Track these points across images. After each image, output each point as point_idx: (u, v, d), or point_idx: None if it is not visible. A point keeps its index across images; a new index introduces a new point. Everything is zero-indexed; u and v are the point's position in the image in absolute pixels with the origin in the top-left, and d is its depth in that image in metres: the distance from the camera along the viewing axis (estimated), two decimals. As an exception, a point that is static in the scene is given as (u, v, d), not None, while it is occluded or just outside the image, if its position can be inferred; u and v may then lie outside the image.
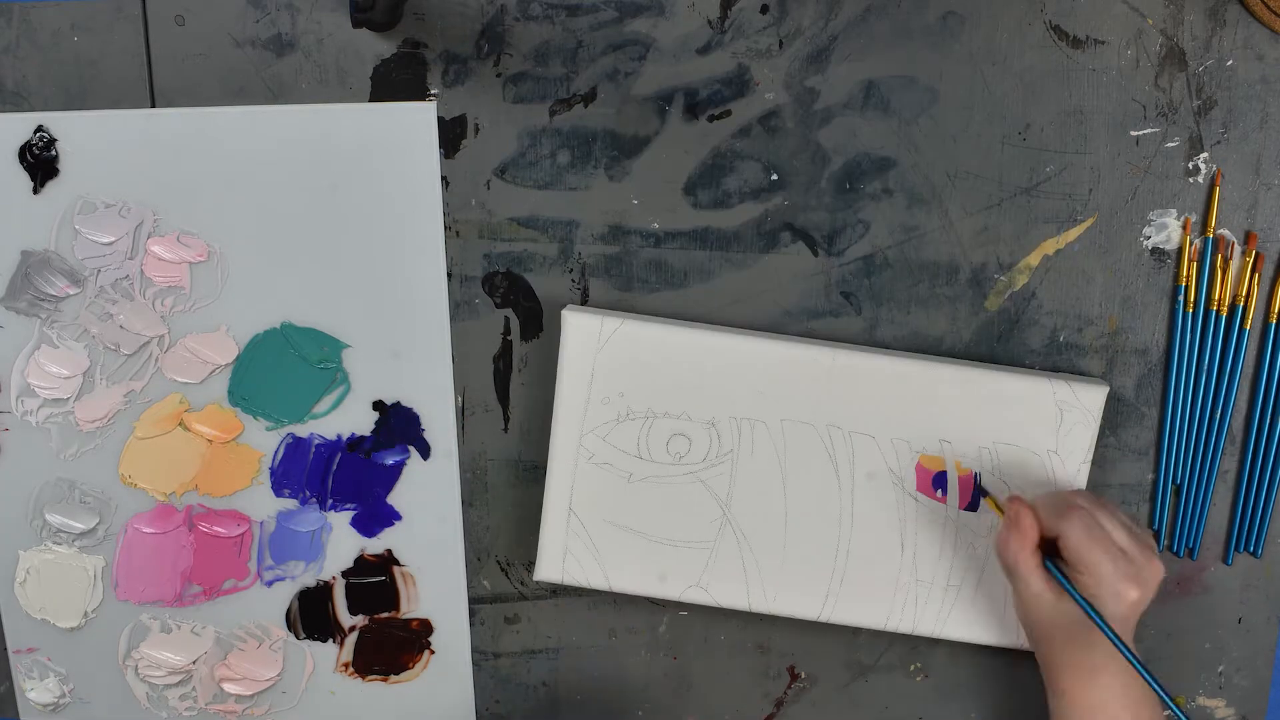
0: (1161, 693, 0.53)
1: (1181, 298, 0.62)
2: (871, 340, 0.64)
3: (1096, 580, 0.55)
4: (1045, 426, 0.61)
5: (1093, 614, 0.54)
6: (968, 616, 0.63)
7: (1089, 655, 0.56)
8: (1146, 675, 0.54)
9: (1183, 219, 0.61)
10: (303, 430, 0.67)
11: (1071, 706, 0.57)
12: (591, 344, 0.61)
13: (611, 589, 0.64)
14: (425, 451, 0.67)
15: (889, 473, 0.62)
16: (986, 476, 0.62)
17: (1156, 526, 0.65)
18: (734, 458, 0.62)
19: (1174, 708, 0.54)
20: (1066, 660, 0.57)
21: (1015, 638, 0.63)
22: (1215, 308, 0.62)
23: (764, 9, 0.61)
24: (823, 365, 0.61)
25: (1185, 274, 0.62)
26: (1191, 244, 0.62)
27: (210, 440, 0.67)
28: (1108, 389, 0.61)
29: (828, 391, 0.61)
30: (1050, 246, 0.62)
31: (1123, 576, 0.55)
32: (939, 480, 0.62)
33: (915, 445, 0.61)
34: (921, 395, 0.61)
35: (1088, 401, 0.61)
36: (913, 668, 0.68)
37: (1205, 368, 0.63)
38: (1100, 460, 0.64)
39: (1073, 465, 0.61)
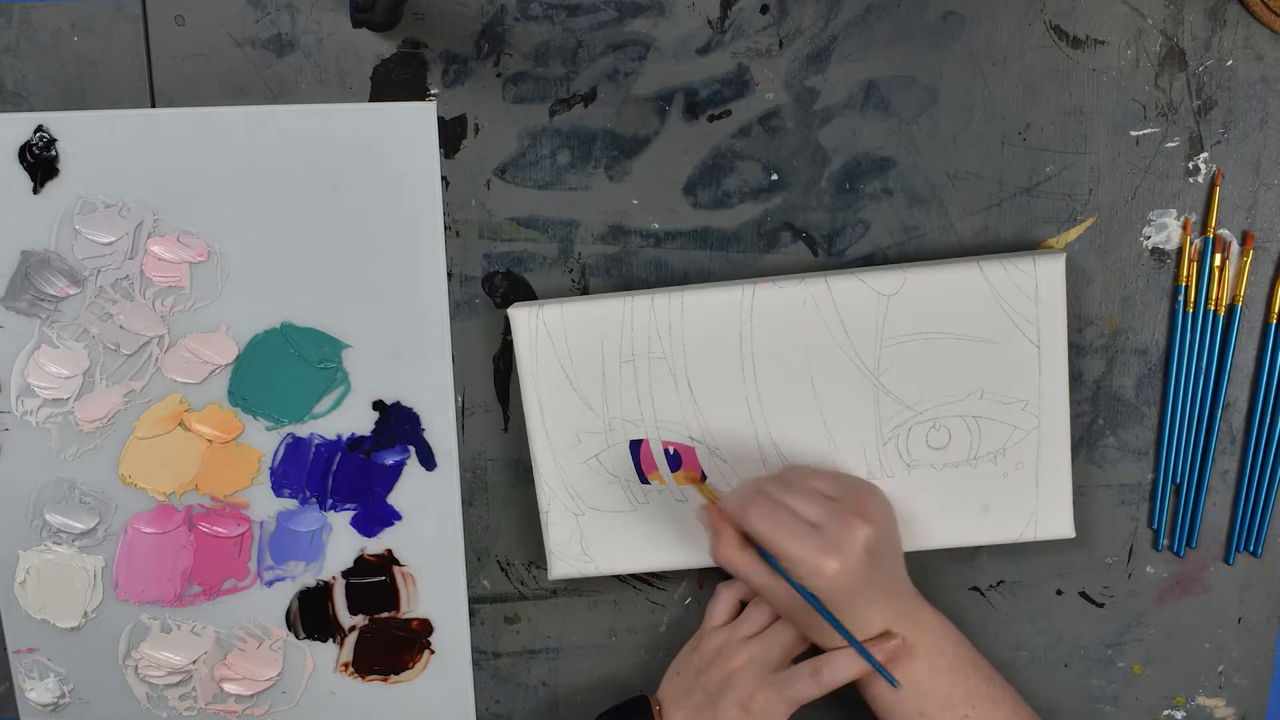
0: (870, 660, 0.56)
1: (1181, 298, 0.62)
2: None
3: (790, 563, 0.55)
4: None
5: (803, 593, 0.55)
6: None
7: (857, 619, 0.57)
8: (856, 645, 0.56)
9: (1183, 219, 0.61)
10: (303, 430, 0.67)
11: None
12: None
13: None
14: (425, 454, 0.67)
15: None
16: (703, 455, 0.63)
17: (1155, 526, 0.65)
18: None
19: (882, 670, 0.57)
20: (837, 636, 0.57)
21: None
22: (1213, 307, 0.62)
23: (764, 9, 0.61)
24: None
25: (1185, 274, 0.62)
26: (1192, 244, 0.62)
27: (210, 440, 0.67)
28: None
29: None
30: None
31: (814, 551, 0.54)
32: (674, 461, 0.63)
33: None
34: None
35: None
36: (913, 668, 0.68)
37: (1204, 367, 0.63)
38: (1100, 460, 0.64)
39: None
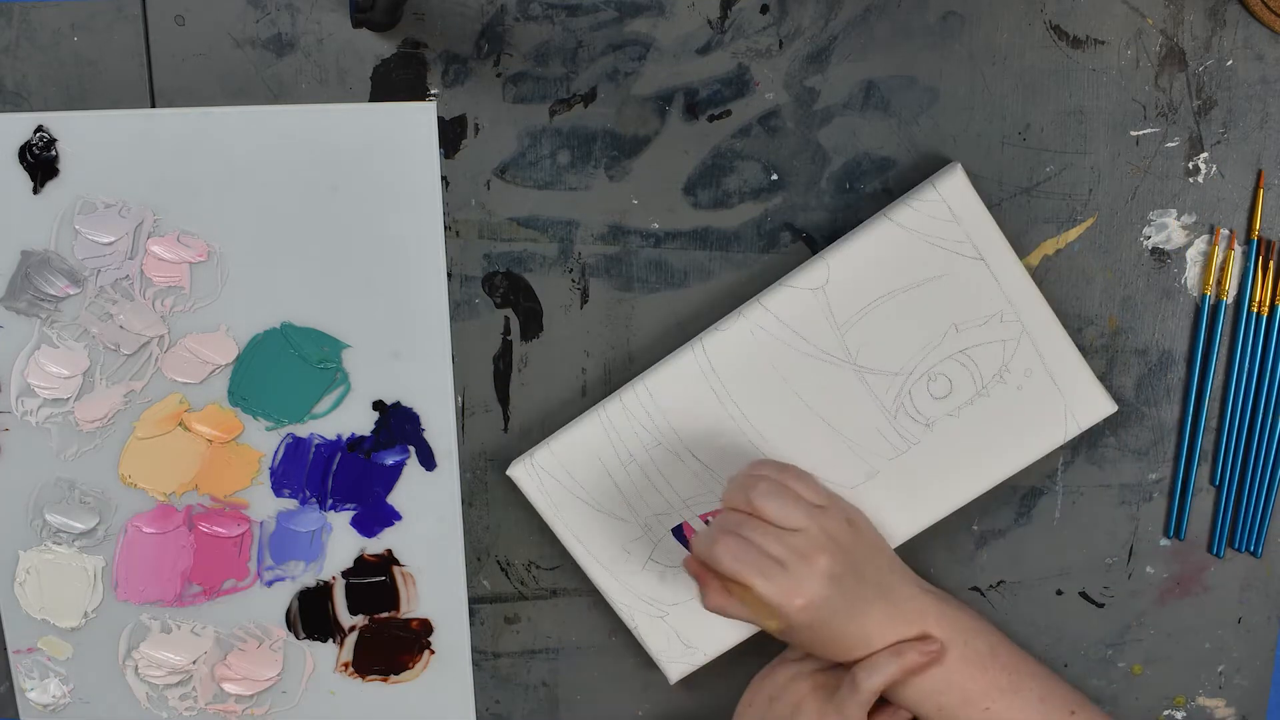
0: None
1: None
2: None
3: (756, 600, 0.55)
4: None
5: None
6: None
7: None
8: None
9: (1213, 228, 0.61)
10: (303, 430, 0.67)
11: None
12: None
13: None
14: (425, 454, 0.67)
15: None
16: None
17: (1170, 530, 0.65)
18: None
19: None
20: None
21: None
22: (1256, 309, 0.62)
23: (764, 9, 0.61)
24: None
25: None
26: (1206, 246, 0.62)
27: (210, 440, 0.67)
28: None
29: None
30: (1050, 246, 0.62)
31: (779, 592, 0.55)
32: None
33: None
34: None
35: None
36: (913, 668, 0.68)
37: (1234, 370, 0.63)
38: (1100, 460, 0.64)
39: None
